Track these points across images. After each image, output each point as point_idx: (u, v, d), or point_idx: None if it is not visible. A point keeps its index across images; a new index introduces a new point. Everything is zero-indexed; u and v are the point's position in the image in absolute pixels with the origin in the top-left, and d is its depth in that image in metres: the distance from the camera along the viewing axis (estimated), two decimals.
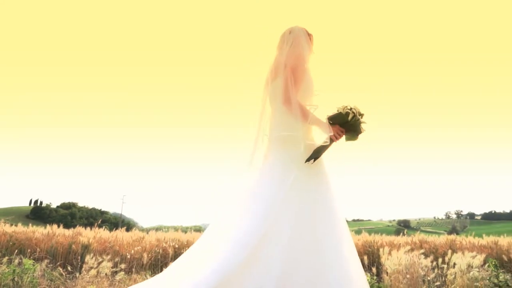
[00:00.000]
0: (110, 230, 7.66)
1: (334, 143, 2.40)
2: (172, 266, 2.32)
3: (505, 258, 6.90)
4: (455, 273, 5.04)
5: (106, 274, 5.01)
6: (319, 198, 2.27)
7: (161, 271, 5.56)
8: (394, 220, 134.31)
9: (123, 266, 5.33)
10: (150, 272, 5.65)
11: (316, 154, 2.32)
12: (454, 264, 5.19)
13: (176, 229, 8.18)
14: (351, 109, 2.38)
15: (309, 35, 2.66)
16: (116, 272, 5.19)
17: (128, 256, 6.37)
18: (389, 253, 5.45)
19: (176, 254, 6.99)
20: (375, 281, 5.36)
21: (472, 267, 5.16)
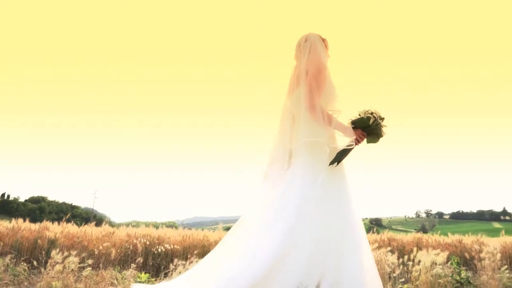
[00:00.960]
0: (81, 225, 7.48)
1: (355, 147, 2.47)
2: (201, 264, 2.42)
3: (467, 256, 7.15)
4: (420, 270, 5.19)
5: (72, 269, 4.91)
6: (342, 198, 2.41)
7: (129, 267, 5.49)
8: (366, 218, 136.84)
9: (90, 261, 5.23)
10: (118, 268, 5.56)
11: (339, 157, 2.41)
12: (419, 261, 5.35)
13: (147, 224, 8.07)
14: (372, 113, 2.46)
15: (324, 40, 2.73)
16: (83, 268, 5.09)
17: (97, 252, 6.26)
18: None
19: (147, 250, 6.91)
20: None
21: (436, 264, 5.33)
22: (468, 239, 8.58)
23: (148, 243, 7.00)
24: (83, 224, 7.58)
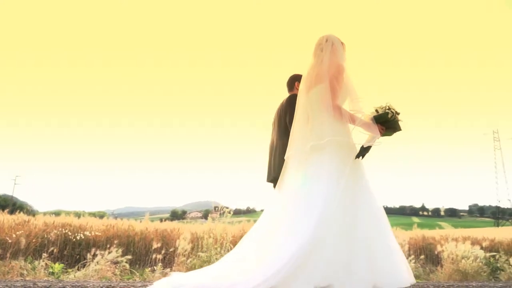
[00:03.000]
0: None
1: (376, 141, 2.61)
2: (232, 256, 2.45)
3: None
4: None
5: None
6: (365, 188, 2.52)
7: (40, 257, 5.18)
8: None
9: None
10: (30, 259, 5.24)
11: (364, 151, 2.54)
12: None
13: (67, 213, 7.66)
14: (389, 108, 2.58)
15: (342, 44, 2.78)
16: None
17: (10, 241, 5.83)
18: None
19: (66, 239, 6.58)
20: None
21: None
22: None
23: (69, 232, 6.66)
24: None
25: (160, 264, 5.50)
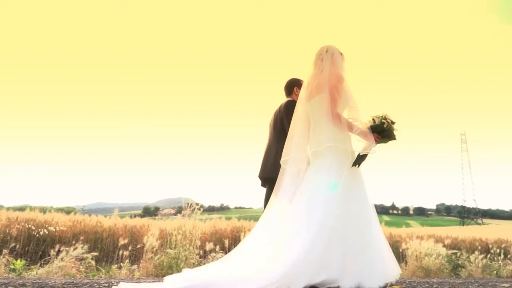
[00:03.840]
0: None
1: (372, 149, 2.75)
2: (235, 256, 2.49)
3: None
4: None
5: None
6: (362, 194, 2.64)
7: (1, 254, 5.02)
8: None
9: None
10: None
11: (360, 160, 2.67)
12: None
13: (32, 208, 7.43)
14: (385, 118, 2.73)
15: (341, 54, 2.90)
16: None
17: None
18: None
19: (29, 235, 6.40)
20: None
21: None
22: None
23: (33, 227, 6.47)
24: None
25: (127, 260, 5.43)
